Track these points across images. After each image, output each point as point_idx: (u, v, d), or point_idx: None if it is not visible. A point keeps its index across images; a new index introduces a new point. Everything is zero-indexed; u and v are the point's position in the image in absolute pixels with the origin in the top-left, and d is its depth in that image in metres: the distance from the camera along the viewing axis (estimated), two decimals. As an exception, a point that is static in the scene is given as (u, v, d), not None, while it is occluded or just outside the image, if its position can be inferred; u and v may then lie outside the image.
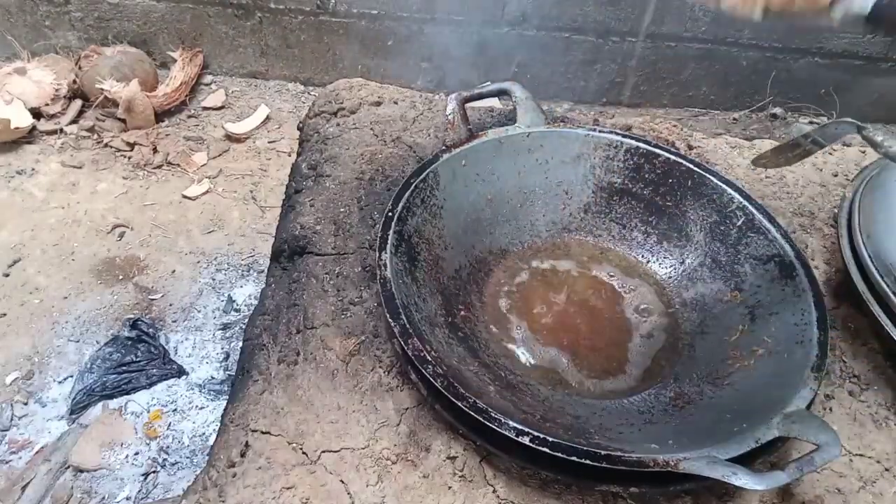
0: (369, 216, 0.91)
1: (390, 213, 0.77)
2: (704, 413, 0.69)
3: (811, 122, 2.56)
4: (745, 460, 0.58)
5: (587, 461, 0.57)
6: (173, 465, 1.29)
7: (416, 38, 2.22)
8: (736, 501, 0.66)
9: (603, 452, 0.58)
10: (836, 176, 1.05)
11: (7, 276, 1.60)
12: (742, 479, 0.55)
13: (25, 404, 1.34)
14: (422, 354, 0.64)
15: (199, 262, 1.69)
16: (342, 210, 0.92)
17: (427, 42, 2.23)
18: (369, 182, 0.96)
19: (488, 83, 0.97)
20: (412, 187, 0.80)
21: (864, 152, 1.11)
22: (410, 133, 1.04)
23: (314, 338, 0.77)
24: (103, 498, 1.24)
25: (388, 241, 0.74)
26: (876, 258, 0.77)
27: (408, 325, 0.66)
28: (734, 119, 2.56)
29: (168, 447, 1.31)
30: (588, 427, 0.67)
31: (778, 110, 2.53)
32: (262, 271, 1.68)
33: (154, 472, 1.27)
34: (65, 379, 1.39)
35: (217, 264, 1.69)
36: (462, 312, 0.80)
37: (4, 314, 1.51)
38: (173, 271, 1.66)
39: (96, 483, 1.25)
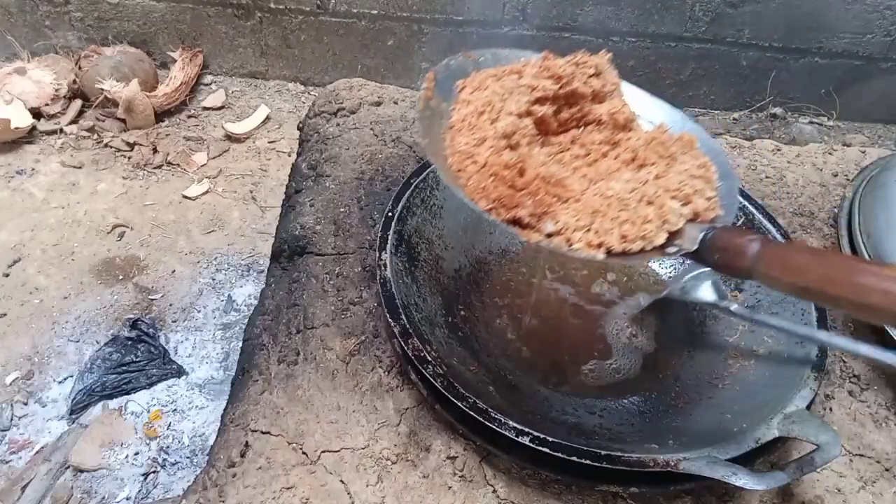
0: (369, 216, 0.91)
1: (390, 213, 0.77)
2: (704, 413, 0.69)
3: (811, 122, 2.57)
4: (745, 460, 0.58)
5: (587, 461, 0.57)
6: (173, 465, 1.29)
7: (416, 37, 2.22)
8: (736, 501, 0.66)
9: (603, 452, 0.58)
10: (836, 176, 1.05)
11: (7, 276, 1.59)
12: (742, 479, 0.55)
13: (25, 404, 1.34)
14: (422, 354, 0.64)
15: (199, 262, 1.69)
16: (342, 210, 0.92)
17: (427, 42, 2.23)
18: (369, 182, 0.96)
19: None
20: (412, 187, 0.80)
21: (863, 152, 1.12)
22: (410, 133, 1.04)
23: (314, 338, 0.77)
24: (103, 498, 1.24)
25: (388, 241, 0.74)
26: (876, 258, 0.77)
27: (408, 325, 0.66)
28: (734, 119, 2.56)
29: (168, 447, 1.31)
30: (588, 427, 0.67)
31: (778, 110, 2.53)
32: (262, 271, 1.68)
33: (154, 472, 1.27)
34: (65, 379, 1.39)
35: (217, 264, 1.69)
36: (462, 312, 0.80)
37: (4, 314, 1.51)
38: (173, 271, 1.66)
39: (96, 483, 1.25)
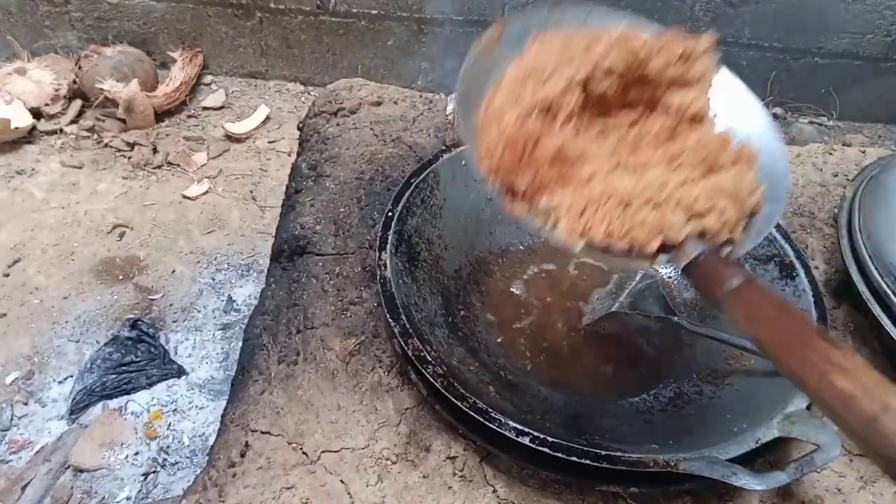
0: (369, 216, 0.91)
1: (390, 213, 0.77)
2: (704, 413, 0.69)
3: (811, 122, 2.57)
4: (745, 460, 0.58)
5: (587, 461, 0.57)
6: (173, 465, 1.29)
7: (416, 37, 2.22)
8: (736, 501, 0.66)
9: (603, 452, 0.58)
10: (836, 176, 1.05)
11: (7, 276, 1.59)
12: (742, 479, 0.55)
13: (25, 404, 1.34)
14: (422, 354, 0.64)
15: (199, 262, 1.69)
16: (342, 210, 0.92)
17: (427, 42, 2.23)
18: (369, 182, 0.96)
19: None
20: (412, 187, 0.80)
21: (863, 152, 1.12)
22: (410, 133, 1.04)
23: (314, 338, 0.77)
24: (103, 498, 1.24)
25: (388, 241, 0.74)
26: (876, 258, 0.77)
27: (408, 325, 0.66)
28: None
29: (168, 447, 1.31)
30: (588, 427, 0.67)
31: (778, 110, 2.53)
32: (262, 271, 1.68)
33: (154, 472, 1.27)
34: (65, 379, 1.39)
35: (217, 264, 1.69)
36: (462, 312, 0.80)
37: (4, 314, 1.51)
38: (173, 271, 1.66)
39: (96, 483, 1.25)
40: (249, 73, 2.33)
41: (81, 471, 1.26)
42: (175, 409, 1.38)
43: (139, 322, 1.50)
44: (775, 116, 2.54)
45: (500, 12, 2.14)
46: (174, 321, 1.55)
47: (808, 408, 0.62)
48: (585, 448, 0.58)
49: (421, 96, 1.12)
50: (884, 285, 0.74)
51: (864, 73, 2.40)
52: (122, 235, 1.74)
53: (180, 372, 1.44)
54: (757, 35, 2.27)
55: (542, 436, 0.58)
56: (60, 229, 1.73)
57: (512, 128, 0.54)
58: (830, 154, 1.10)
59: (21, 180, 1.86)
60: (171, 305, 1.58)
